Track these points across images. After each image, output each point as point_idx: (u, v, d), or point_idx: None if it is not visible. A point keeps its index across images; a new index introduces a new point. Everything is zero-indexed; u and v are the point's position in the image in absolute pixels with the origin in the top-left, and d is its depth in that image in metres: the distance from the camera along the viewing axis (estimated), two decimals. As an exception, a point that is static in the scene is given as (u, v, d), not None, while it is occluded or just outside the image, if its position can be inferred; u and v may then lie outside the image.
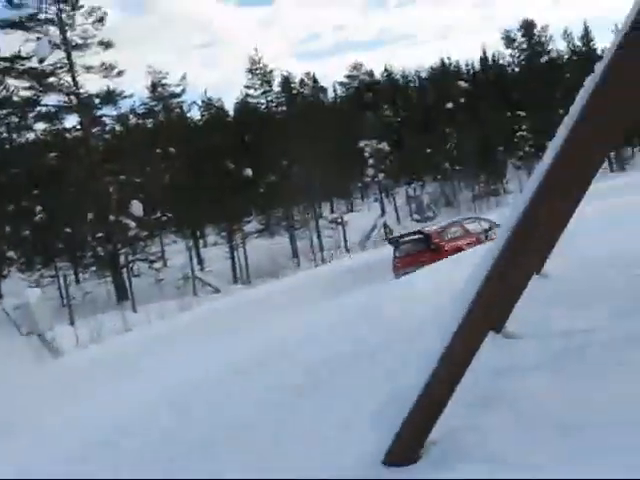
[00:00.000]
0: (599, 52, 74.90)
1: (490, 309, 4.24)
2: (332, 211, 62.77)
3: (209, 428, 6.52)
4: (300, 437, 5.32)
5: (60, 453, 7.47)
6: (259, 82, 60.32)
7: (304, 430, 5.47)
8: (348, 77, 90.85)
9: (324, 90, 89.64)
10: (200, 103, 66.90)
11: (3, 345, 17.98)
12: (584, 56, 74.18)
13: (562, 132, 3.85)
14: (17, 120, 40.80)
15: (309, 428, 5.48)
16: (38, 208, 37.91)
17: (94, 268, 39.74)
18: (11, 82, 39.69)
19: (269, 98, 61.53)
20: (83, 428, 8.62)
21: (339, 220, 54.38)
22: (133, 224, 38.12)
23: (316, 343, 8.85)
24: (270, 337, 10.66)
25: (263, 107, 61.70)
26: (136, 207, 37.63)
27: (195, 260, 45.48)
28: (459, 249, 20.77)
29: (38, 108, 40.02)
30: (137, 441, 6.92)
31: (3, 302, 27.72)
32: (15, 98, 39.88)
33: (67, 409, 10.78)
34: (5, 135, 41.74)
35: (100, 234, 37.90)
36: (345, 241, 51.33)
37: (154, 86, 57.50)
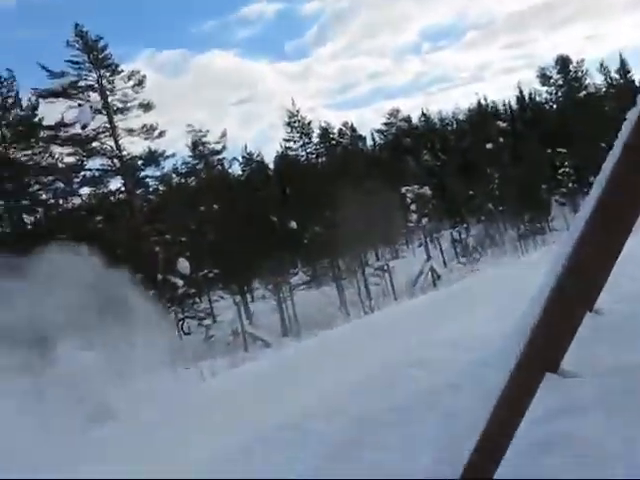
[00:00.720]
0: (637, 83, 74.59)
1: (546, 349, 4.17)
2: (377, 259, 62.56)
3: None
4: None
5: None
6: (298, 134, 60.61)
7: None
8: (386, 124, 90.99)
9: (363, 139, 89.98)
10: (241, 159, 67.50)
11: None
12: (622, 88, 73.81)
13: (608, 165, 3.79)
14: (63, 186, 41.45)
15: None
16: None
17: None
18: (56, 149, 40.56)
19: (309, 150, 61.76)
20: None
21: (385, 268, 54.25)
22: (181, 282, 38.43)
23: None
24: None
25: (303, 159, 61.90)
26: (183, 265, 37.98)
27: (244, 315, 45.58)
28: None
29: (83, 173, 40.82)
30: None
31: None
32: (60, 164, 40.65)
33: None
34: (52, 201, 42.23)
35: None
36: (392, 288, 51.10)
37: (195, 145, 58.02)
